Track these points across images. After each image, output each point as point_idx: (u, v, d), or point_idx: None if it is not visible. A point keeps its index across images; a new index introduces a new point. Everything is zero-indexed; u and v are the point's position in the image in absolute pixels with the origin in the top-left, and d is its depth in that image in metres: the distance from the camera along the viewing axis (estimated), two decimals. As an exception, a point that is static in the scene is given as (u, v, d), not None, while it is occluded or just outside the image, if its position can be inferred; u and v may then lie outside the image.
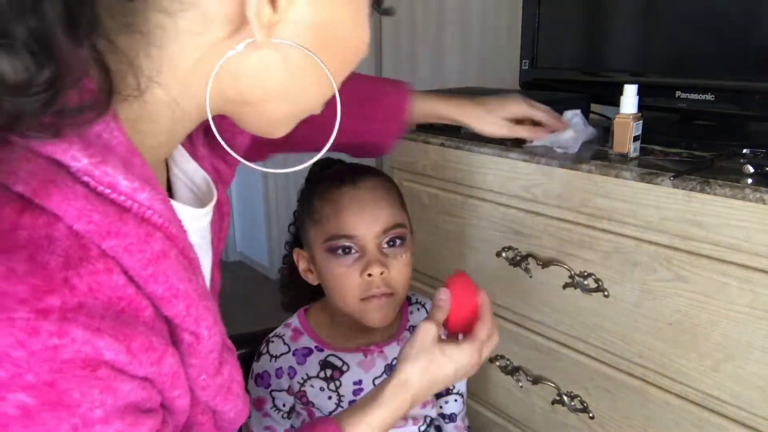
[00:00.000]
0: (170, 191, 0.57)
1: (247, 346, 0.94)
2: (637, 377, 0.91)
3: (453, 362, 0.67)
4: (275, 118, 0.52)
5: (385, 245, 0.82)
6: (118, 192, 0.40)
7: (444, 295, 0.71)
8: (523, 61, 1.21)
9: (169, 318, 0.44)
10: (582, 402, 1.00)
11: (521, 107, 0.95)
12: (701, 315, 0.81)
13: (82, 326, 0.36)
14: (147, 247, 0.41)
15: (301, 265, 0.90)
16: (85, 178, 0.39)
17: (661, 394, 0.88)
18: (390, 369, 0.87)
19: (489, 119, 0.95)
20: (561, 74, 1.17)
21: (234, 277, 3.43)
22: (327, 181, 0.86)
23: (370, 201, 0.83)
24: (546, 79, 1.19)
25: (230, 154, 0.51)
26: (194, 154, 0.60)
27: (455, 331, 0.73)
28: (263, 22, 0.42)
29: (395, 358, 0.86)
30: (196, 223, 0.54)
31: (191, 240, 0.47)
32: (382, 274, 0.80)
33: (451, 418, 0.96)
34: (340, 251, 0.81)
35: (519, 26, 1.21)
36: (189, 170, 0.59)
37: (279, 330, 0.92)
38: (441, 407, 0.96)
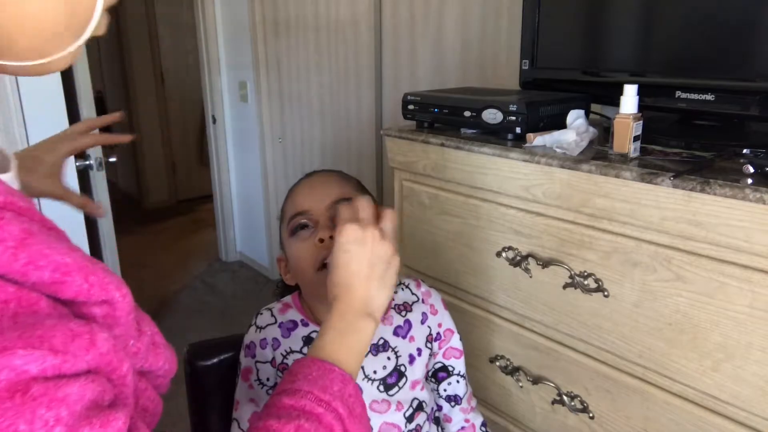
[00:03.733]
0: None
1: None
2: (637, 377, 0.91)
3: (338, 252, 0.66)
4: (41, 30, 0.38)
5: None
6: None
7: None
8: (523, 61, 1.21)
9: (70, 299, 0.37)
10: (582, 402, 1.00)
11: (69, 144, 0.85)
12: (701, 315, 0.81)
13: None
14: (4, 234, 0.34)
15: (281, 269, 0.93)
16: None
17: (661, 394, 0.88)
18: (375, 349, 0.88)
19: (40, 172, 0.82)
20: (561, 74, 1.17)
21: (234, 277, 3.43)
22: None
23: (320, 182, 0.89)
24: (546, 79, 1.19)
25: None
26: None
27: None
28: None
29: (381, 337, 0.87)
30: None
31: None
32: (332, 238, 0.81)
33: (456, 400, 0.96)
34: (298, 228, 0.85)
35: (519, 26, 1.21)
36: None
37: (271, 304, 0.93)
38: (445, 390, 0.96)
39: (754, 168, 0.75)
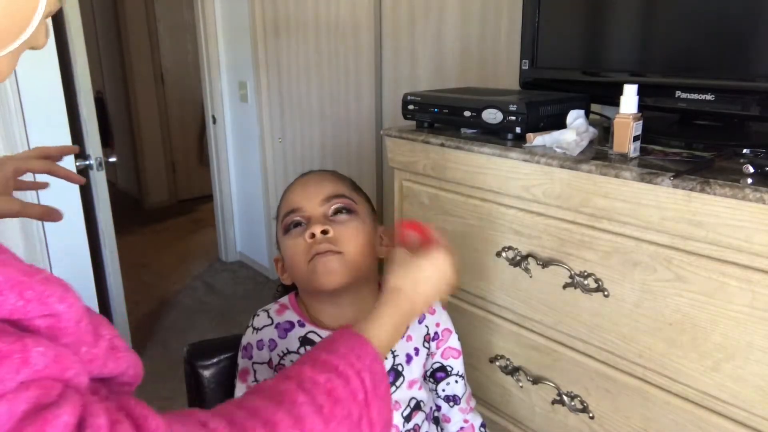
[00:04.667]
0: None
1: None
2: (637, 377, 0.91)
3: (428, 262, 0.72)
4: None
5: (332, 214, 0.86)
6: None
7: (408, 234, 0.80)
8: (523, 61, 1.21)
9: (5, 318, 0.36)
10: (582, 402, 1.00)
11: (16, 163, 0.86)
12: (701, 315, 0.81)
13: None
14: None
15: (278, 269, 0.93)
16: None
17: (661, 394, 0.88)
18: None
19: None
20: (561, 74, 1.17)
21: (234, 277, 3.43)
22: None
23: (313, 181, 0.90)
24: (546, 79, 1.19)
25: None
26: None
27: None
28: None
29: None
30: None
31: None
32: (324, 233, 0.83)
33: (455, 400, 0.96)
34: (291, 226, 0.87)
35: (519, 26, 1.21)
36: None
37: (268, 305, 0.93)
38: (443, 390, 0.96)
39: (754, 168, 0.75)
